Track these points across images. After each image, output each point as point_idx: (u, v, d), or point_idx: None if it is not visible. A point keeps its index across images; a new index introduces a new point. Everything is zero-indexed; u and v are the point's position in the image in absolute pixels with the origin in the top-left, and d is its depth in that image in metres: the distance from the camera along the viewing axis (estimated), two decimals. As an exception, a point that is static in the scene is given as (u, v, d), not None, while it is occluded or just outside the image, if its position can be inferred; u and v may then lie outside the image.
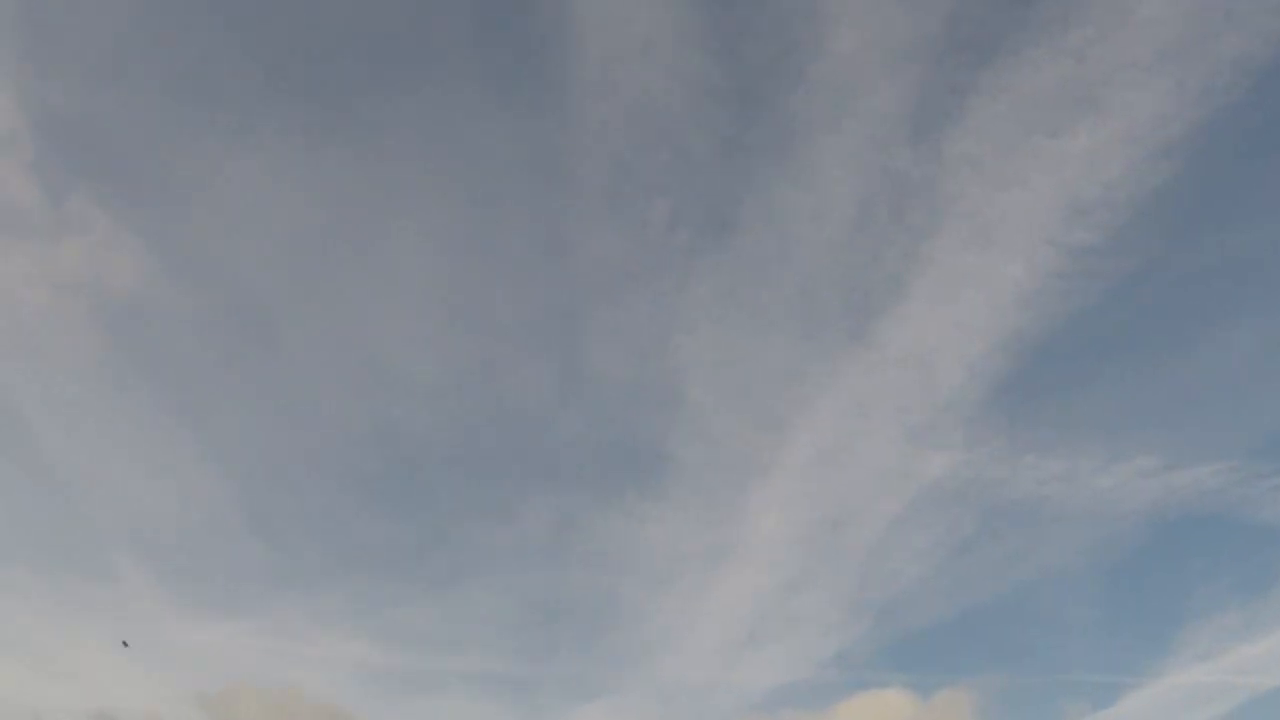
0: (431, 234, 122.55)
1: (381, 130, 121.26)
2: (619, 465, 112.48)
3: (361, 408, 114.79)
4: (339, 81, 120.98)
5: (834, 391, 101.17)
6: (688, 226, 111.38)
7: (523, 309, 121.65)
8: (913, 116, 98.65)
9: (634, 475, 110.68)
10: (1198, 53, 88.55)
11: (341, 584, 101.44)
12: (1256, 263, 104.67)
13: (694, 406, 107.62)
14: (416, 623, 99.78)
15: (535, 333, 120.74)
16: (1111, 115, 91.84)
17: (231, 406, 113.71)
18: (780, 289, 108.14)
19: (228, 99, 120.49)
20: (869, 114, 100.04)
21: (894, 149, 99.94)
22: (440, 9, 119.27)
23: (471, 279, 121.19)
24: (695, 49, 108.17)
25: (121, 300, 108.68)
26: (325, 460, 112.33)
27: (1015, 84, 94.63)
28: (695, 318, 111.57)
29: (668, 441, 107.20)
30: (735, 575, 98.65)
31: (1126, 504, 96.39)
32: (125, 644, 79.22)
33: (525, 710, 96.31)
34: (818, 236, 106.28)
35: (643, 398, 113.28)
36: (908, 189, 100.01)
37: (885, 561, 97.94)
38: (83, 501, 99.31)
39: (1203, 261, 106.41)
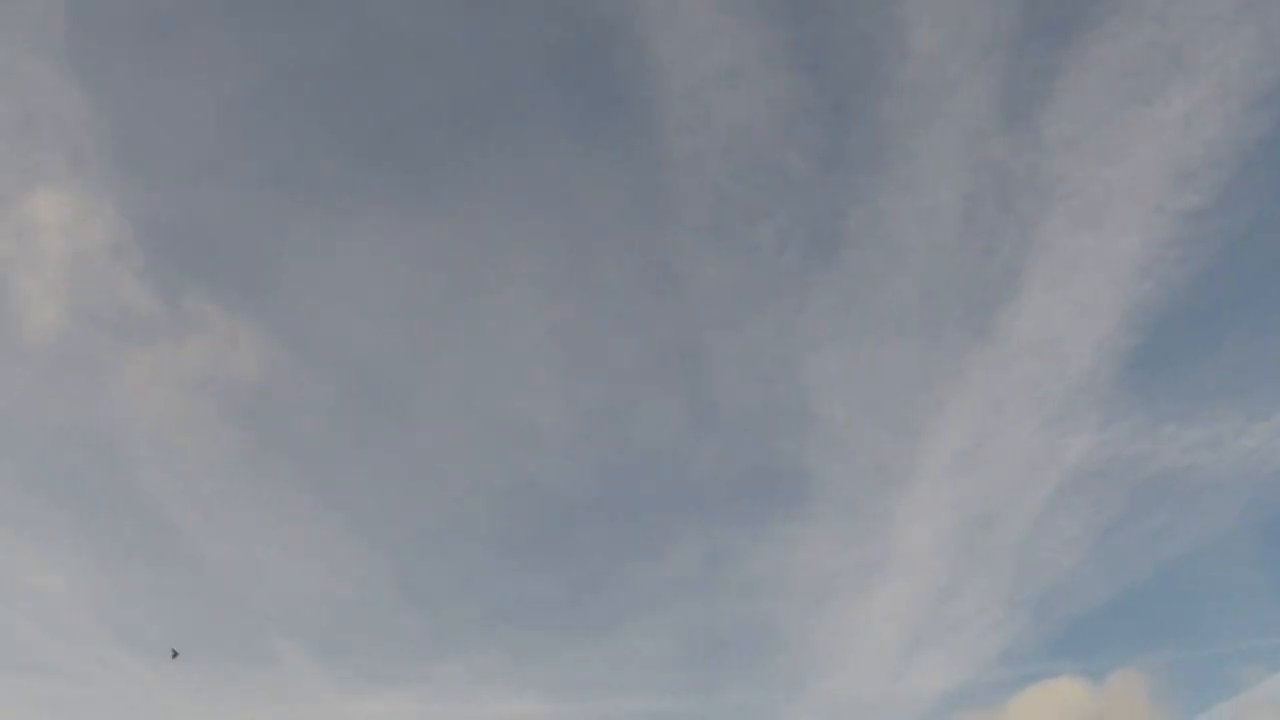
0: (541, 286, 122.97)
1: (478, 189, 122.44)
2: (759, 491, 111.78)
3: (497, 465, 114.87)
4: (429, 148, 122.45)
5: (964, 390, 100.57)
6: (796, 247, 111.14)
7: (642, 349, 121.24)
8: (1004, 106, 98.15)
9: (776, 499, 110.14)
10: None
11: (500, 642, 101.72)
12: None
13: (827, 423, 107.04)
14: (579, 672, 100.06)
15: (658, 371, 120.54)
16: (1201, 73, 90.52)
17: (369, 480, 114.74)
18: (897, 295, 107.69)
19: (323, 182, 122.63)
20: (960, 110, 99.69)
21: (990, 140, 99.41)
22: (517, 63, 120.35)
23: (586, 325, 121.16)
24: (778, 69, 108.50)
25: (248, 391, 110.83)
26: (468, 521, 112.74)
27: (1101, 57, 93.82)
28: (816, 335, 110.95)
29: (805, 461, 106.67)
30: (890, 586, 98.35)
31: (1273, 462, 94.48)
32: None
33: None
34: (927, 239, 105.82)
35: (774, 421, 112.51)
36: (1010, 178, 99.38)
37: (1038, 552, 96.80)
38: (234, 590, 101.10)
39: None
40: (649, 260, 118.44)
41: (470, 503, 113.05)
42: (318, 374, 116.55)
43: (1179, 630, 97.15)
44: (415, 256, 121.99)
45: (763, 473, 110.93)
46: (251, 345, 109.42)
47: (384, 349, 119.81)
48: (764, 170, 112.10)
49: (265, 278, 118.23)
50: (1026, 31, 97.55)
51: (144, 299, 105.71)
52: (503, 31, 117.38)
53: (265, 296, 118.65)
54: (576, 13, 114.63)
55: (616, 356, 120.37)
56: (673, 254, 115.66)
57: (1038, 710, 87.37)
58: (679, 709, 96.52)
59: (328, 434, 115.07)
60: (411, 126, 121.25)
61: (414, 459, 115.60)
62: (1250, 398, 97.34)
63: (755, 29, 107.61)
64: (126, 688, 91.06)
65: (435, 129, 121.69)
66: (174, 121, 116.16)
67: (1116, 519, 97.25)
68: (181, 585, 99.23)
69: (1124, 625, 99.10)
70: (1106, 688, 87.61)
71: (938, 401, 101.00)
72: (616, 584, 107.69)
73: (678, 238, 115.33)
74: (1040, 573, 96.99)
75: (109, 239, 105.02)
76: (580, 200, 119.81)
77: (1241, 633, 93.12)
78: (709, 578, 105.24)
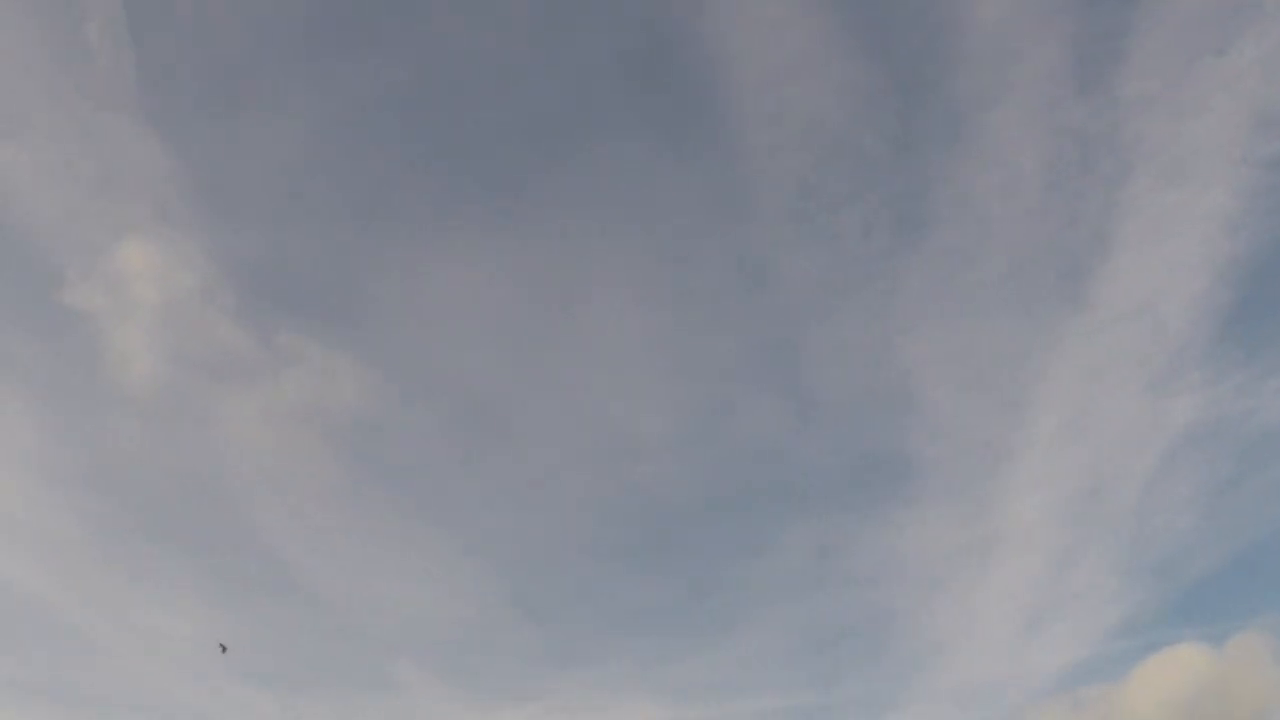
0: (632, 293, 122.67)
1: (562, 202, 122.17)
2: (865, 479, 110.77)
3: (603, 476, 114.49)
4: (510, 165, 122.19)
5: (1064, 359, 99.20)
6: (881, 230, 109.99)
7: (737, 347, 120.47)
8: (1076, 69, 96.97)
9: (881, 486, 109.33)
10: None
11: (619, 651, 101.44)
12: None
13: (927, 404, 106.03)
14: (699, 674, 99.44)
15: (754, 367, 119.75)
16: (1273, 16, 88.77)
17: (478, 500, 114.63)
18: (988, 270, 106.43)
19: (406, 208, 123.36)
20: (1032, 77, 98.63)
21: (1066, 106, 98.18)
22: (589, 75, 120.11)
23: (680, 328, 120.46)
24: (846, 54, 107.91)
25: (350, 421, 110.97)
26: (579, 533, 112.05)
27: (1169, 10, 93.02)
28: (910, 317, 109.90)
29: (908, 445, 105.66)
30: (1003, 564, 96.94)
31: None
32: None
33: None
34: (1012, 210, 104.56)
35: (874, 407, 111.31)
36: (1089, 141, 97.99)
37: (1151, 519, 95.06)
38: (353, 620, 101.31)
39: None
40: (736, 258, 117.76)
41: (580, 515, 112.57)
42: (418, 399, 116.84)
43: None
44: (505, 274, 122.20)
45: (866, 460, 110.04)
46: (349, 376, 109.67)
47: (481, 368, 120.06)
48: (842, 157, 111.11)
49: (356, 307, 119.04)
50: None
51: (239, 339, 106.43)
52: (571, 45, 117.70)
53: (358, 326, 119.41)
54: (643, 19, 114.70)
55: (712, 357, 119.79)
56: (759, 249, 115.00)
57: (1160, 679, 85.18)
58: (801, 704, 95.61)
59: (433, 457, 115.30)
60: (490, 146, 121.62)
61: (521, 475, 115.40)
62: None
63: (819, 16, 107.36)
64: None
65: (514, 146, 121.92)
66: (252, 161, 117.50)
67: (1228, 479, 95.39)
68: (300, 618, 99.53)
69: (1243, 587, 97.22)
70: (1227, 652, 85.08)
71: (1037, 373, 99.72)
72: (730, 584, 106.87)
73: (762, 232, 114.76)
74: (1155, 539, 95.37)
75: (199, 283, 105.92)
76: (663, 204, 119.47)
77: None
78: (820, 570, 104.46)
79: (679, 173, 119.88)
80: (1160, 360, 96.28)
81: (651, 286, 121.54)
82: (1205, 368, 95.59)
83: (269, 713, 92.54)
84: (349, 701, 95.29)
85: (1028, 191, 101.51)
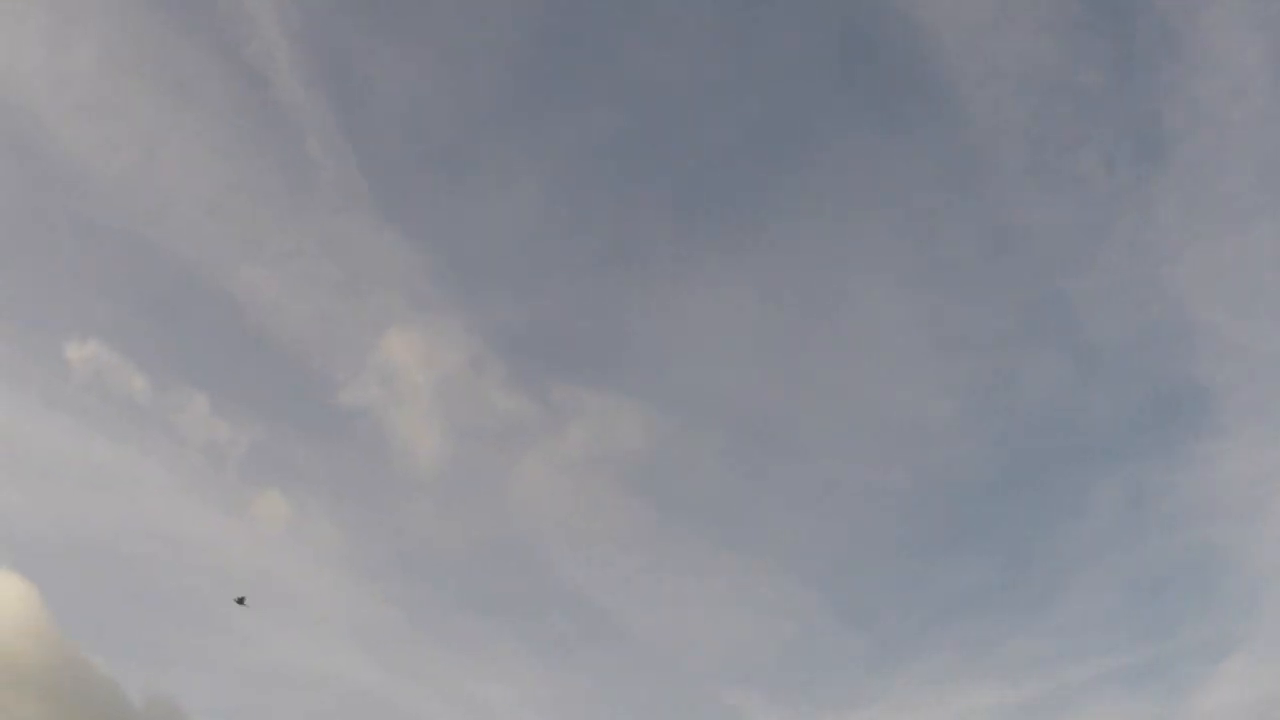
0: (884, 278, 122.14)
1: (795, 206, 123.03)
2: (1162, 418, 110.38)
3: (894, 467, 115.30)
4: (738, 182, 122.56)
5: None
6: (1123, 162, 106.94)
7: (1002, 311, 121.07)
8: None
9: (1181, 421, 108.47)
10: None
11: (942, 640, 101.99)
12: None
13: (1209, 329, 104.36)
14: (1026, 648, 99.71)
15: (1024, 329, 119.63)
16: None
17: (774, 517, 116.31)
18: (1237, 179, 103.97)
19: (647, 246, 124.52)
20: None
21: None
22: (795, 74, 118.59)
23: (940, 304, 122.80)
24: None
25: (635, 462, 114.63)
26: (881, 529, 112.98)
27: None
28: (1171, 245, 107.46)
29: (1199, 374, 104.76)
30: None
31: None
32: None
33: (1160, 690, 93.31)
34: (1247, 112, 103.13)
35: (1156, 343, 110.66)
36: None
37: None
38: (676, 654, 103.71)
39: None
40: (982, 222, 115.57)
41: (877, 511, 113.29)
42: (696, 427, 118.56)
43: None
44: (756, 289, 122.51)
45: (1159, 398, 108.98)
46: (627, 418, 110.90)
47: (752, 384, 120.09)
48: (1065, 97, 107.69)
49: (620, 351, 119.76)
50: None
51: (515, 403, 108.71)
52: (770, 50, 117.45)
53: (626, 368, 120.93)
54: (832, 10, 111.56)
55: (978, 328, 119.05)
56: (1003, 209, 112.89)
57: None
58: (1134, 662, 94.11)
59: (722, 481, 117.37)
60: (714, 168, 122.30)
61: (811, 483, 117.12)
62: None
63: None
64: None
65: (737, 163, 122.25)
66: (490, 232, 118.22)
67: None
68: (624, 663, 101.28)
69: None
70: None
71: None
72: (1042, 553, 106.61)
73: (1003, 191, 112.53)
74: None
75: (466, 358, 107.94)
76: (896, 184, 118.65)
77: None
78: (1133, 521, 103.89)
79: (906, 150, 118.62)
80: None
81: (903, 269, 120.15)
82: None
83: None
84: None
85: (1258, 90, 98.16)
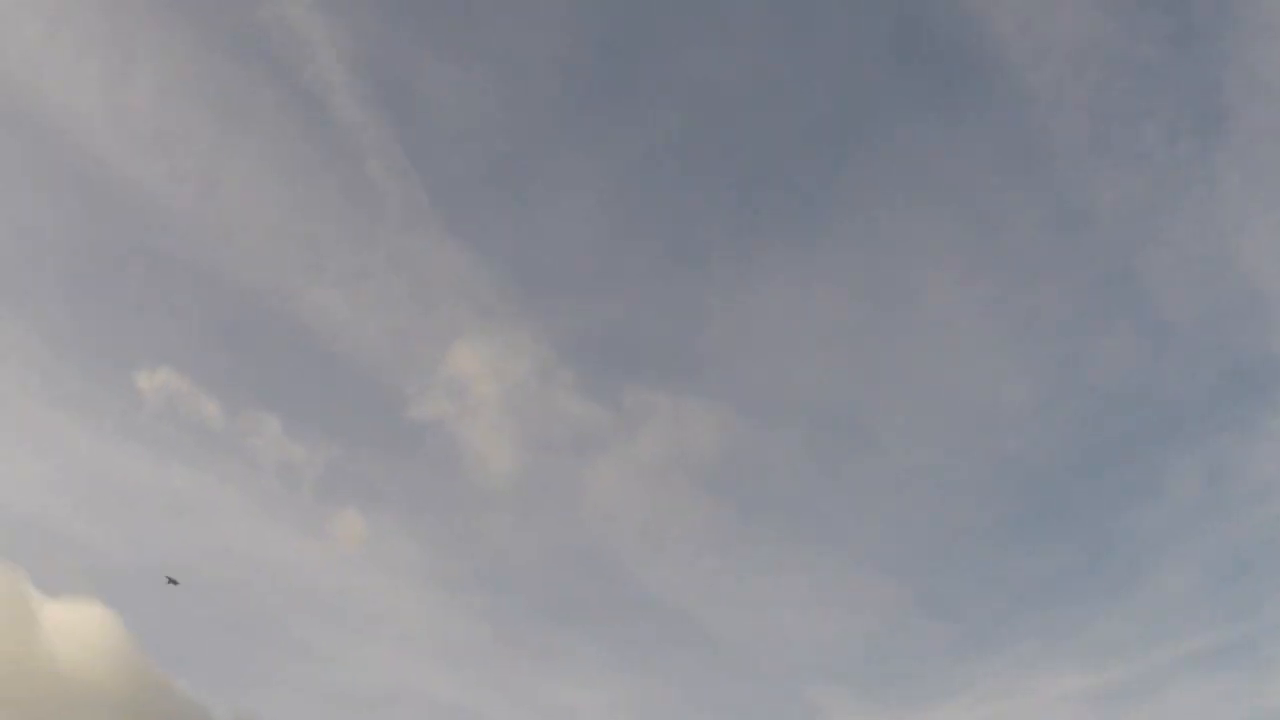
0: (953, 265, 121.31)
1: (862, 198, 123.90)
2: (1237, 392, 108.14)
3: (971, 456, 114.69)
4: (803, 177, 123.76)
5: None
6: (1186, 134, 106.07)
7: (1072, 292, 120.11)
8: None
9: (1258, 394, 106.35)
10: None
11: (1027, 627, 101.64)
12: None
13: None
14: (1111, 632, 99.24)
15: (1095, 308, 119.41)
16: None
17: (855, 511, 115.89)
18: None
19: (714, 246, 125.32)
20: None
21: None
22: (853, 66, 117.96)
23: (1010, 290, 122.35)
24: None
25: (711, 462, 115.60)
26: (961, 518, 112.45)
27: None
28: (1241, 215, 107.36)
29: (1275, 345, 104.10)
30: None
31: None
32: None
33: (1245, 670, 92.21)
34: None
35: (1228, 316, 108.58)
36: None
37: None
38: (760, 653, 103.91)
39: None
40: (1048, 203, 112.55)
41: (957, 501, 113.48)
42: (772, 424, 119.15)
43: None
44: (826, 283, 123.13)
45: (1234, 373, 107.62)
46: (701, 418, 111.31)
47: (826, 378, 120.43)
48: (1124, 71, 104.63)
49: (691, 351, 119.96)
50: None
51: (587, 410, 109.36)
52: (827, 42, 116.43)
53: (698, 368, 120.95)
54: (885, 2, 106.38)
55: (1050, 311, 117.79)
56: (1069, 188, 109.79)
57: None
58: (1222, 641, 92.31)
59: (800, 478, 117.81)
60: (778, 164, 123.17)
61: (889, 476, 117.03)
62: None
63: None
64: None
65: (801, 158, 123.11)
66: (554, 240, 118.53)
67: None
68: (708, 663, 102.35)
69: None
70: None
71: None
72: (1123, 534, 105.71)
73: (1067, 171, 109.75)
74: None
75: (536, 367, 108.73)
76: (960, 170, 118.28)
77: None
78: (1213, 498, 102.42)
79: (966, 134, 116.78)
80: None
81: (972, 255, 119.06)
82: None
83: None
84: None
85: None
